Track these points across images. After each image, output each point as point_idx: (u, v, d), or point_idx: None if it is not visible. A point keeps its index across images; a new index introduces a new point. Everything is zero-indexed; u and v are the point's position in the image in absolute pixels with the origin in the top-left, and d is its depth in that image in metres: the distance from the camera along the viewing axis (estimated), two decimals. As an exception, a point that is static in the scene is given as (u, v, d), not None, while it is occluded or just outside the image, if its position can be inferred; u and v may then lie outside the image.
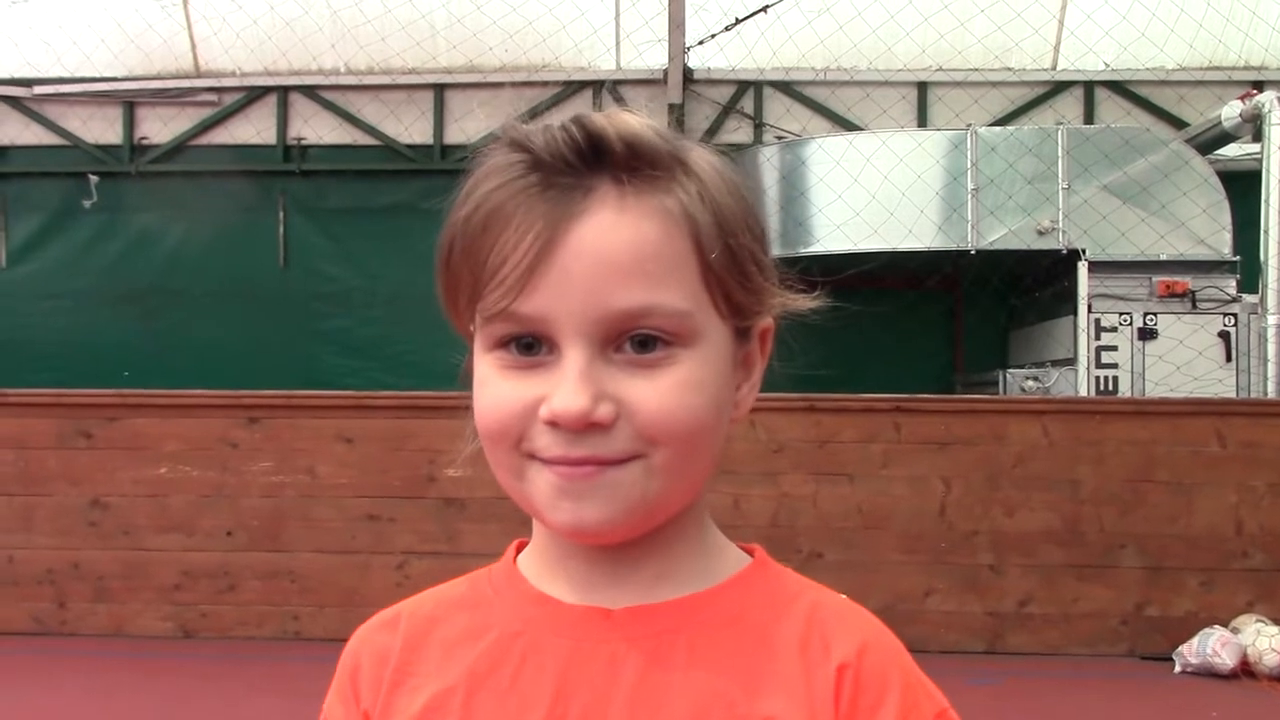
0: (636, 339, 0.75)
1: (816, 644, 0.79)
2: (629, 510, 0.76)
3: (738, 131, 8.82)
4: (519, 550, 0.89)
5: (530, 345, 0.76)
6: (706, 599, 0.81)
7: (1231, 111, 6.99)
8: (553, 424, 0.75)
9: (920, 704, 0.80)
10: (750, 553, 0.87)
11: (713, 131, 8.64)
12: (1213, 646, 4.90)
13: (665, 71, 8.59)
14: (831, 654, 0.79)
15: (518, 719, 0.78)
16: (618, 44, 8.85)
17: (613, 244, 0.74)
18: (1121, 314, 6.83)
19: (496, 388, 0.78)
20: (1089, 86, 8.80)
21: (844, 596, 0.84)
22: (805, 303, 0.85)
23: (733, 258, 0.78)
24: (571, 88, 8.81)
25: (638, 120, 0.77)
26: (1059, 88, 8.80)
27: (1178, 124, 8.27)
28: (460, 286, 0.79)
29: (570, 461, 0.75)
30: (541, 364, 0.76)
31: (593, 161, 0.75)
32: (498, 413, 0.77)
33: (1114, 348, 6.82)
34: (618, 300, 0.74)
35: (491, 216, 0.76)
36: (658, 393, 0.75)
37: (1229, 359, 6.72)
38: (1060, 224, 6.94)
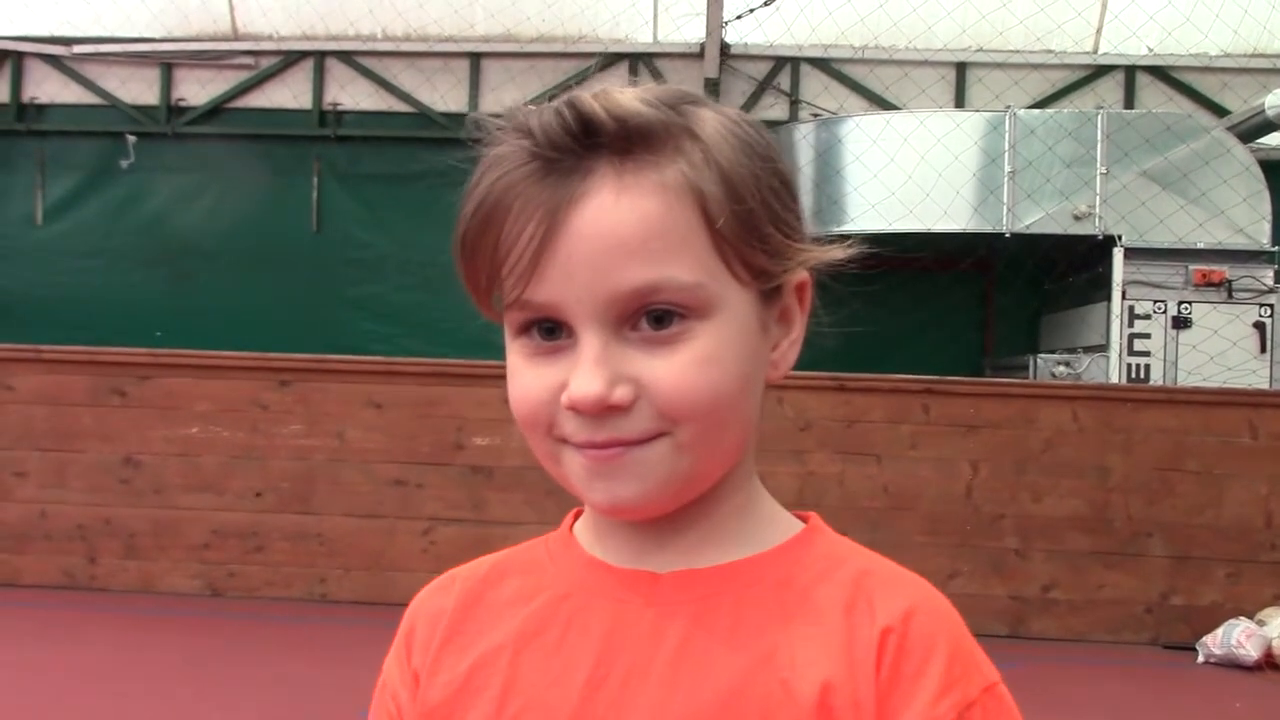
0: (652, 314, 0.75)
1: (862, 607, 0.78)
2: (661, 486, 0.77)
3: (774, 108, 8.77)
4: (575, 518, 0.90)
5: (551, 330, 0.77)
6: (753, 564, 0.82)
7: (1275, 100, 6.90)
8: (573, 410, 0.75)
9: (969, 674, 0.77)
10: (805, 520, 0.87)
11: (748, 107, 8.59)
12: (1237, 638, 4.88)
13: (702, 46, 8.54)
14: (876, 617, 0.78)
15: (561, 678, 0.79)
16: (655, 17, 8.80)
17: (614, 224, 0.74)
18: (1156, 302, 6.77)
19: (523, 377, 0.79)
20: (1130, 71, 8.69)
21: (900, 566, 0.83)
22: (838, 253, 0.84)
23: (746, 222, 0.77)
24: (608, 59, 8.78)
25: (630, 96, 0.76)
26: (1100, 71, 8.70)
27: (1220, 111, 8.17)
28: (478, 278, 0.79)
29: (595, 445, 0.76)
30: (562, 348, 0.77)
31: (587, 143, 0.75)
32: (526, 403, 0.79)
33: (1147, 335, 6.76)
34: (624, 280, 0.74)
35: (494, 209, 0.77)
36: (675, 370, 0.75)
37: (1263, 350, 6.66)
38: (1097, 209, 6.88)
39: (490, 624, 0.84)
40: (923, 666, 0.76)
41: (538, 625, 0.82)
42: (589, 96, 0.76)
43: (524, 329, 0.78)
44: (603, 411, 0.74)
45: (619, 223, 0.74)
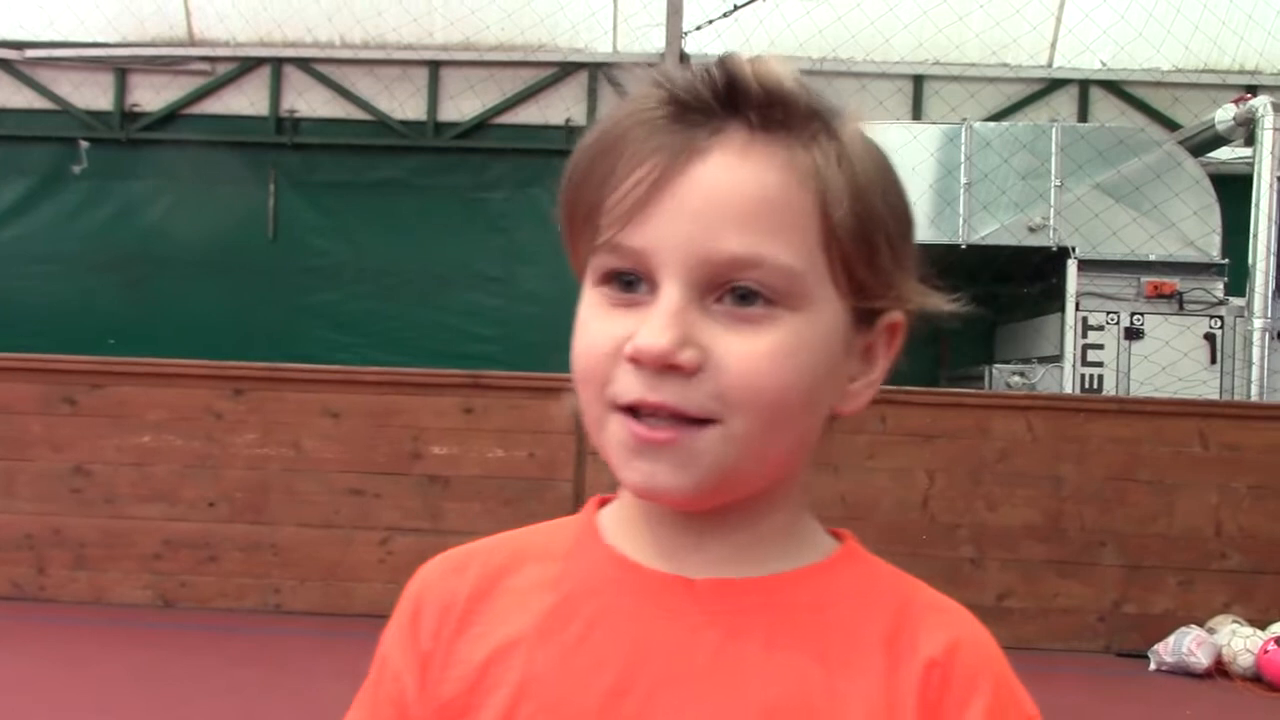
0: (738, 291, 0.72)
1: (905, 639, 0.76)
2: (702, 478, 0.73)
3: (732, 118, 8.79)
4: (599, 506, 0.85)
5: (631, 283, 0.74)
6: (792, 580, 0.78)
7: (1225, 115, 7.01)
8: (635, 360, 0.71)
9: (1009, 711, 0.76)
10: (839, 537, 0.84)
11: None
12: (1188, 646, 4.94)
13: (662, 56, 8.55)
14: (919, 650, 0.75)
15: (585, 678, 0.75)
16: (615, 27, 8.82)
17: (731, 185, 0.71)
18: (1109, 313, 6.86)
19: (590, 328, 0.75)
20: (1084, 85, 8.81)
21: (939, 593, 0.81)
22: (943, 303, 0.81)
23: (861, 229, 0.74)
24: (567, 69, 8.78)
25: (784, 69, 0.74)
26: (1054, 85, 8.81)
27: (1171, 125, 8.29)
28: (576, 214, 0.76)
29: (647, 407, 0.72)
30: (639, 302, 0.73)
31: (727, 103, 0.73)
32: (588, 353, 0.75)
33: (1100, 346, 6.84)
34: (726, 244, 0.71)
35: (614, 144, 0.74)
36: (748, 350, 0.71)
37: (1214, 361, 6.75)
38: (1051, 221, 6.96)
39: (507, 614, 0.80)
40: (966, 701, 0.74)
41: (559, 620, 0.78)
42: (743, 58, 0.74)
43: (606, 278, 0.75)
44: (663, 369, 0.71)
45: (738, 185, 0.71)
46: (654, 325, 0.71)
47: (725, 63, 0.73)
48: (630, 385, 0.72)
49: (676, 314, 0.71)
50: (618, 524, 0.82)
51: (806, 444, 0.79)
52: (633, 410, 0.73)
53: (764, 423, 0.73)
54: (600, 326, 0.74)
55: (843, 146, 0.75)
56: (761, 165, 0.72)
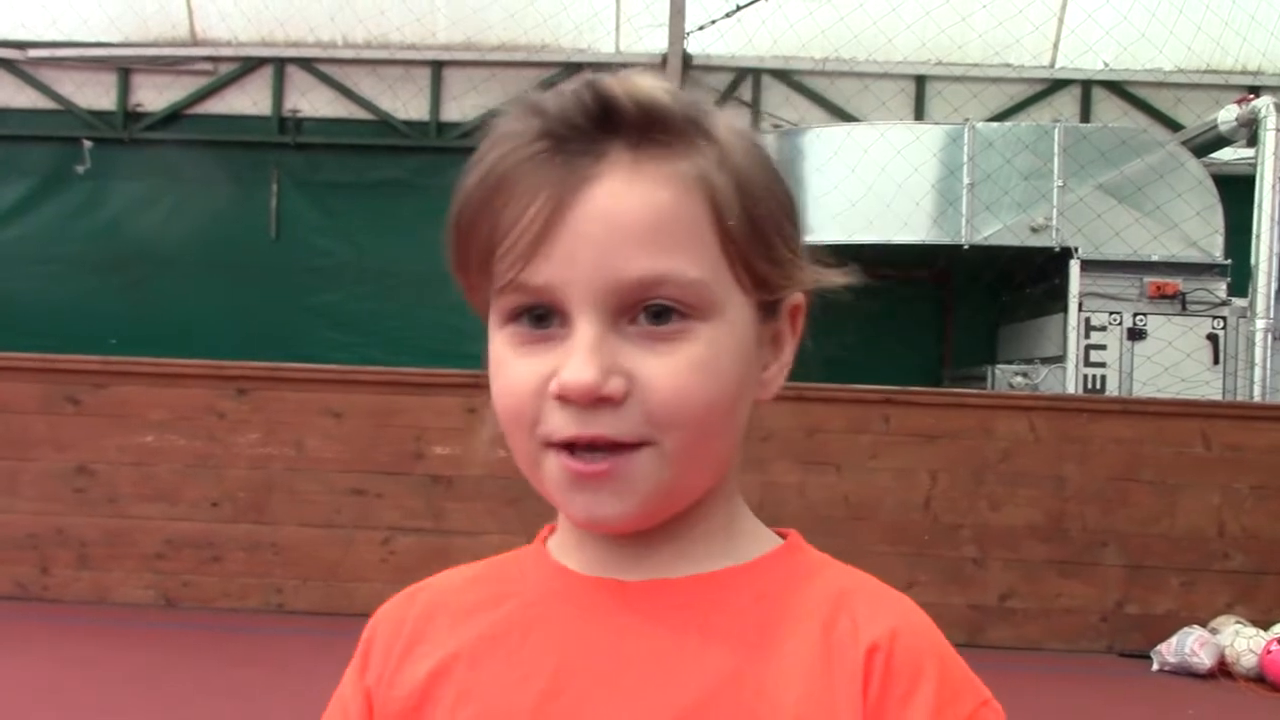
0: (651, 310, 0.72)
1: (844, 627, 0.75)
2: (644, 502, 0.74)
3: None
4: (551, 533, 0.87)
5: (542, 317, 0.73)
6: (727, 576, 0.78)
7: (1227, 115, 7.00)
8: (563, 398, 0.72)
9: (959, 695, 0.75)
10: (784, 536, 0.84)
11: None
12: (1191, 646, 4.93)
13: (664, 57, 8.56)
14: (860, 636, 0.74)
15: (519, 686, 0.76)
16: (618, 27, 8.82)
17: (624, 209, 0.71)
18: (1111, 313, 6.85)
19: (510, 368, 0.75)
20: (1087, 86, 8.80)
21: (881, 583, 0.80)
22: (838, 278, 0.82)
23: (754, 227, 0.75)
24: (570, 69, 8.78)
25: (653, 82, 0.74)
26: (1057, 86, 8.80)
27: (1174, 126, 8.29)
28: (470, 259, 0.76)
29: (583, 441, 0.72)
30: (553, 337, 0.73)
31: (604, 125, 0.72)
32: (512, 395, 0.75)
33: (1103, 347, 6.83)
34: (630, 268, 0.71)
35: (499, 184, 0.73)
36: (671, 371, 0.72)
37: (1216, 362, 6.74)
38: (1054, 221, 6.95)
39: (451, 631, 0.81)
40: (912, 688, 0.73)
41: (498, 632, 0.79)
42: (612, 78, 0.73)
43: (513, 316, 0.75)
44: (593, 403, 0.71)
45: (630, 209, 0.71)
46: (577, 361, 0.71)
47: (595, 86, 0.73)
48: (562, 423, 0.72)
49: (596, 346, 0.71)
50: (562, 545, 0.83)
51: (736, 445, 0.79)
52: (567, 446, 0.73)
53: (695, 436, 0.73)
54: (520, 366, 0.74)
55: (722, 148, 0.75)
56: (650, 184, 0.72)
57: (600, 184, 0.72)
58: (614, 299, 0.72)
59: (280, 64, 9.02)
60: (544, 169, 0.72)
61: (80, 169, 8.91)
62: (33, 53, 8.97)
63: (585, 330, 0.72)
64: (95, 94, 9.05)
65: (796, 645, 0.75)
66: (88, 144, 8.90)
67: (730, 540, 0.81)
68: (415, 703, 0.79)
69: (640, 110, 0.72)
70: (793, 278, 0.79)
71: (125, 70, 9.03)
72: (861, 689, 0.73)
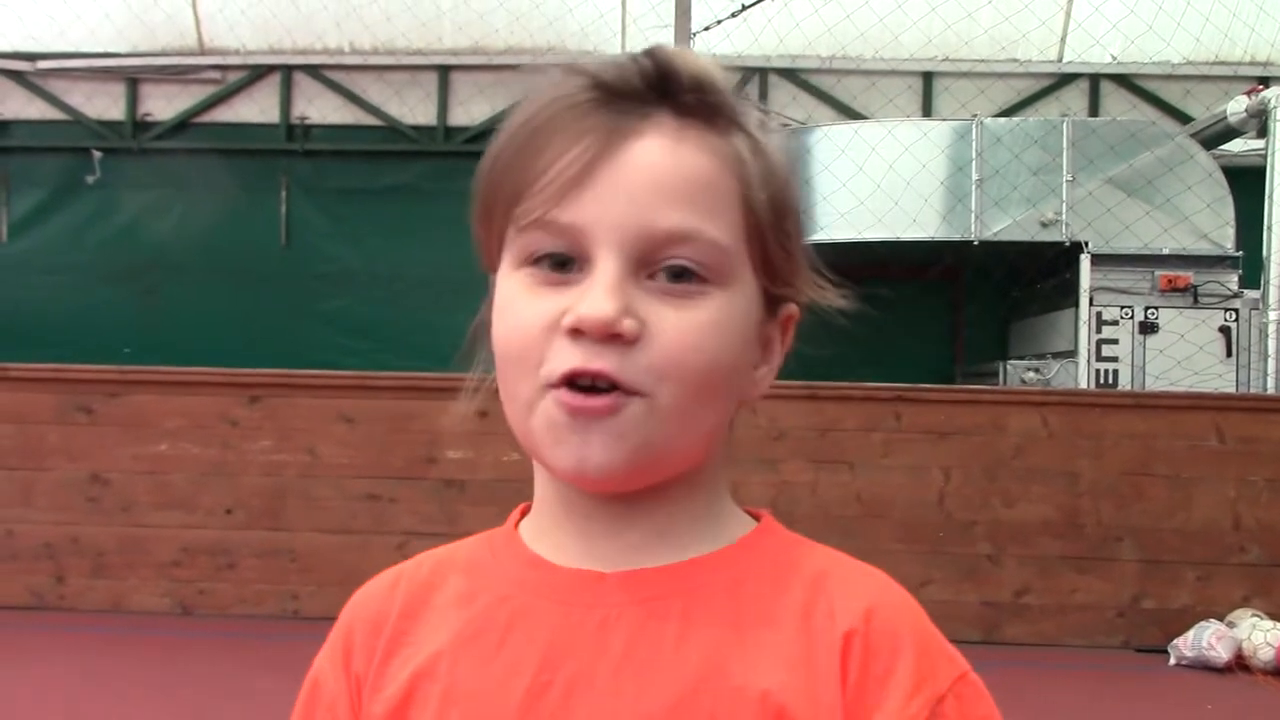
0: (671, 269, 0.74)
1: (821, 611, 0.76)
2: (633, 453, 0.74)
3: (742, 118, 8.79)
4: (523, 515, 0.87)
5: (563, 264, 0.74)
6: (705, 564, 0.79)
7: (1237, 107, 6.97)
8: (576, 331, 0.72)
9: (937, 668, 0.75)
10: (757, 518, 0.84)
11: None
12: (1208, 640, 4.92)
13: (671, 57, 8.55)
14: (837, 621, 0.75)
15: (503, 684, 0.76)
16: (624, 28, 8.82)
17: (666, 166, 0.74)
18: (1123, 307, 6.83)
19: (521, 305, 0.75)
20: (1095, 79, 8.78)
21: (856, 561, 0.81)
22: (832, 297, 0.84)
23: (775, 214, 0.78)
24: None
25: (711, 61, 0.77)
26: (1065, 80, 8.78)
27: (1183, 118, 8.26)
28: (499, 195, 0.77)
29: (586, 375, 0.72)
30: (571, 280, 0.74)
31: (657, 89, 0.75)
32: (518, 333, 0.75)
33: (1115, 341, 6.81)
34: (663, 218, 0.73)
35: (543, 127, 0.75)
36: (683, 323, 0.73)
37: (1229, 354, 6.72)
38: (1064, 216, 6.93)
39: (432, 631, 0.81)
40: (890, 666, 0.74)
41: (477, 629, 0.79)
42: (672, 49, 0.76)
43: (532, 259, 0.75)
44: (606, 338, 0.72)
45: (672, 166, 0.74)
46: (596, 294, 0.72)
47: (655, 52, 0.76)
48: (568, 356, 0.73)
49: (617, 284, 0.72)
50: (536, 529, 0.83)
51: (723, 425, 0.80)
52: (568, 383, 0.73)
53: (690, 396, 0.74)
54: (531, 305, 0.75)
55: (756, 140, 0.78)
56: (694, 148, 0.75)
57: (645, 139, 0.74)
58: (641, 246, 0.73)
59: (288, 71, 9.05)
60: (591, 117, 0.74)
61: (90, 179, 8.95)
62: (42, 64, 9.01)
63: (609, 268, 0.73)
64: (104, 104, 9.09)
65: (776, 637, 0.75)
66: (97, 154, 8.93)
67: (708, 524, 0.81)
68: (398, 704, 0.79)
69: (694, 82, 0.76)
70: (796, 277, 0.81)
71: (134, 80, 9.07)
72: (840, 675, 0.73)
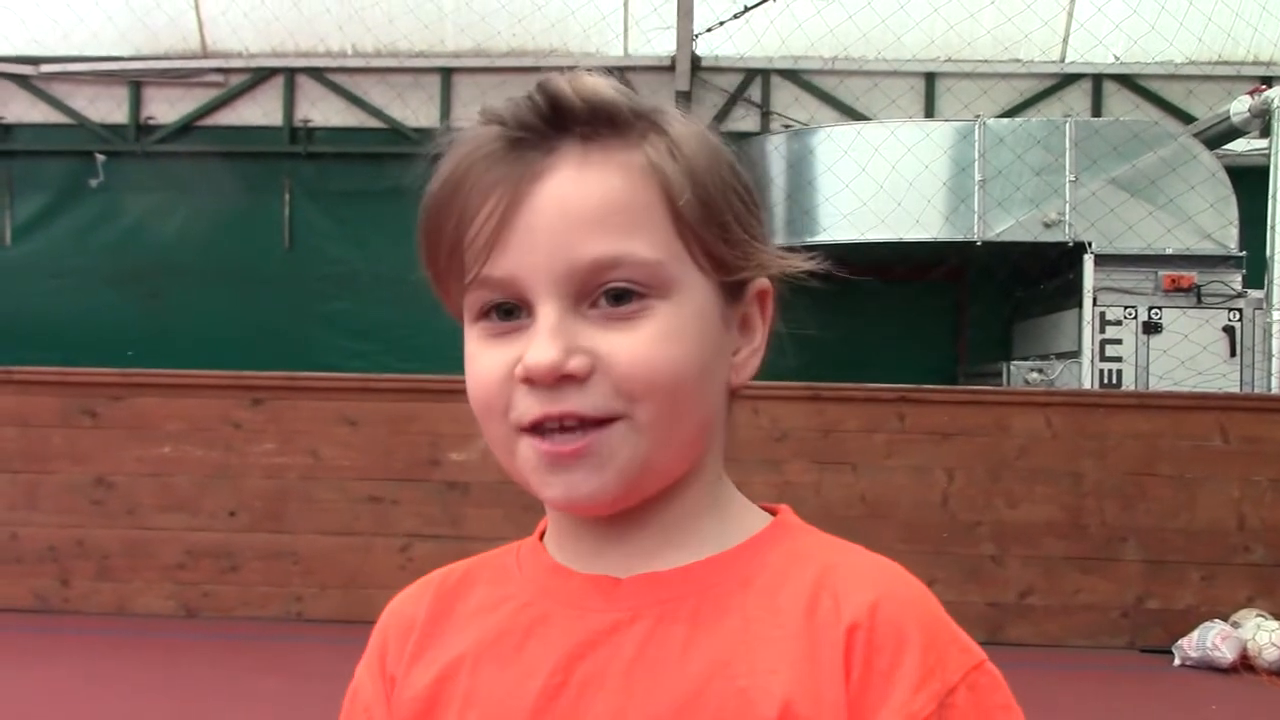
0: (610, 293, 0.74)
1: (826, 607, 0.75)
2: (619, 475, 0.75)
3: (745, 120, 8.80)
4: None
5: (510, 311, 0.76)
6: (716, 564, 0.79)
7: (1240, 106, 6.97)
8: (528, 380, 0.74)
9: (945, 660, 0.74)
10: (774, 513, 0.85)
11: (720, 119, 8.62)
12: (1213, 640, 4.91)
13: (673, 59, 8.56)
14: (841, 616, 0.74)
15: (518, 686, 0.78)
16: (626, 30, 8.82)
17: (575, 197, 0.74)
18: (1126, 307, 6.82)
19: (479, 359, 0.77)
20: (1097, 79, 8.77)
21: (869, 553, 0.81)
22: (801, 264, 0.83)
23: (707, 210, 0.77)
24: (579, 73, 8.78)
25: (599, 80, 0.77)
26: (1067, 80, 8.78)
27: (1186, 118, 8.25)
28: (438, 258, 0.79)
29: (552, 419, 0.74)
30: (520, 328, 0.76)
31: (555, 122, 0.75)
32: (482, 384, 0.77)
33: (1118, 341, 6.80)
34: (584, 251, 0.73)
35: (458, 185, 0.77)
36: (634, 343, 0.74)
37: (1233, 354, 6.71)
38: (1067, 216, 6.93)
39: (456, 635, 0.83)
40: (896, 660, 0.73)
41: (498, 634, 0.81)
42: (560, 78, 0.76)
43: (483, 312, 0.77)
44: (557, 382, 0.73)
45: (581, 196, 0.74)
46: (539, 343, 0.73)
47: (545, 86, 0.76)
48: (530, 405, 0.75)
49: (556, 328, 0.73)
50: (555, 538, 0.85)
51: (710, 423, 0.80)
52: (537, 430, 0.75)
53: (666, 406, 0.75)
54: (488, 357, 0.77)
55: (672, 140, 0.77)
56: (600, 172, 0.75)
57: (552, 175, 0.75)
58: (572, 283, 0.74)
59: (290, 74, 9.05)
60: (499, 167, 0.75)
61: (94, 182, 8.96)
62: (45, 68, 9.02)
63: (546, 313, 0.74)
64: (107, 107, 9.10)
65: (782, 634, 0.75)
66: (101, 158, 8.94)
67: (718, 524, 0.82)
68: (423, 706, 0.81)
69: (588, 106, 0.75)
70: (751, 259, 0.80)
71: (137, 83, 9.07)
72: (844, 671, 0.73)
